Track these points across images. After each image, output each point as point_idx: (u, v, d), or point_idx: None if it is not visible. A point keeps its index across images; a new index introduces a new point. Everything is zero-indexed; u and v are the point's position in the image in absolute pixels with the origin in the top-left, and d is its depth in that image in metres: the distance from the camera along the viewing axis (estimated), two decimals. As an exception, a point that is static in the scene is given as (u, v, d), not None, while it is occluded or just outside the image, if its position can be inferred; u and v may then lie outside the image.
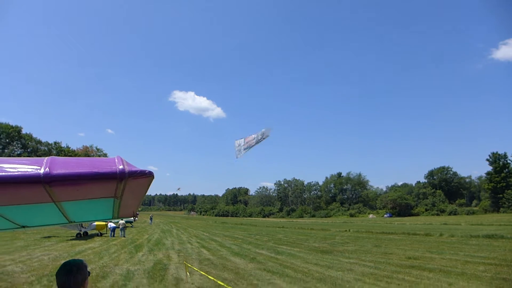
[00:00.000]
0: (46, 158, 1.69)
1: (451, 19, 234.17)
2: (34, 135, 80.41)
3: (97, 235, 27.35)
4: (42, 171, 1.55)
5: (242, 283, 10.11)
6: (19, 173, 1.53)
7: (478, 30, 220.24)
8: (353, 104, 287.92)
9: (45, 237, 25.36)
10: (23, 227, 2.75)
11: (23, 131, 76.43)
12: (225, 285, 7.81)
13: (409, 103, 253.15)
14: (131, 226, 43.07)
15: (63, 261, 2.23)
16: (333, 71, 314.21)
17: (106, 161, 1.75)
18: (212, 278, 8.89)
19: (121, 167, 1.69)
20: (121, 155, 1.83)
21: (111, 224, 27.83)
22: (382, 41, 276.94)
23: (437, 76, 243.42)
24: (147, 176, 1.77)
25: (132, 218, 47.29)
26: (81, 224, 25.93)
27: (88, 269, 2.28)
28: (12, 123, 75.72)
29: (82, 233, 26.36)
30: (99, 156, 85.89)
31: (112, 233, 27.45)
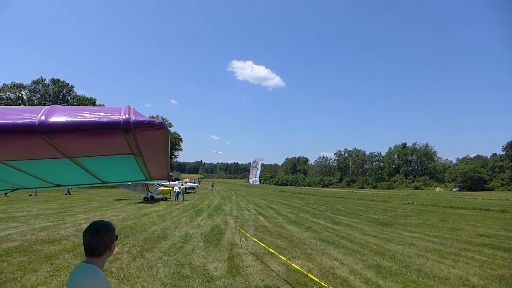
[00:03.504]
0: (47, 106, 1.50)
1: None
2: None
3: (162, 199, 29.17)
4: (37, 119, 1.36)
5: (296, 251, 9.99)
6: (13, 121, 1.36)
7: None
8: (421, 73, 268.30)
9: (117, 200, 27.72)
10: (57, 185, 2.74)
11: (97, 103, 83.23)
12: (277, 253, 7.69)
13: (485, 72, 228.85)
14: (194, 192, 45.32)
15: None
16: (401, 41, 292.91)
17: (111, 110, 1.50)
18: (264, 245, 8.85)
19: (125, 116, 1.43)
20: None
21: (176, 189, 29.56)
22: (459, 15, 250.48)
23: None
24: (158, 128, 1.49)
25: (196, 184, 49.78)
26: (148, 188, 27.85)
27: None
28: (88, 95, 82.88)
29: (149, 197, 28.30)
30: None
31: (176, 198, 29.09)
